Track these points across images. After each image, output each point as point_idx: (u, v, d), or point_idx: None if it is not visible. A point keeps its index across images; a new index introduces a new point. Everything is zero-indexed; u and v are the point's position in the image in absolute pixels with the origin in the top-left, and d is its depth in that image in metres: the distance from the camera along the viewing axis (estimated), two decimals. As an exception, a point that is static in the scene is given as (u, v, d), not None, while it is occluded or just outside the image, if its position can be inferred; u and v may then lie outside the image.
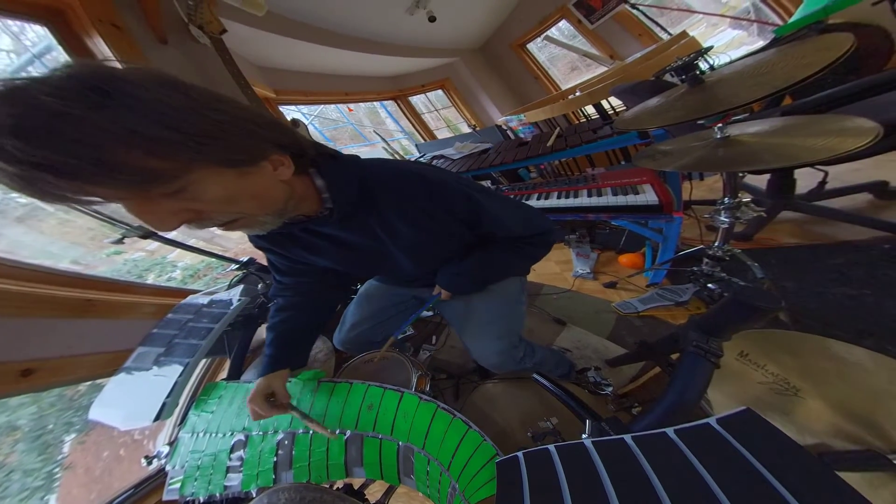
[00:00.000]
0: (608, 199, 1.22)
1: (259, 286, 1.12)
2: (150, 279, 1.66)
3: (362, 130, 4.39)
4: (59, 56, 1.25)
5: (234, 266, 1.11)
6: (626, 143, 1.32)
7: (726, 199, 0.96)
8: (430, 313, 1.51)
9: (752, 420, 0.30)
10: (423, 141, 3.72)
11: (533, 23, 3.58)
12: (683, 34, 2.41)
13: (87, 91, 0.28)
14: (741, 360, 0.55)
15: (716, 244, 1.09)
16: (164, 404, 0.71)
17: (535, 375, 0.74)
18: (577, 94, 2.31)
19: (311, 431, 0.67)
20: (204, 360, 1.21)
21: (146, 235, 0.82)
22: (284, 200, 0.49)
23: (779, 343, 0.55)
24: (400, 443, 0.60)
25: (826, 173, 1.24)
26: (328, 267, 0.72)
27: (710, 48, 0.84)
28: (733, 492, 0.26)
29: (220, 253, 1.11)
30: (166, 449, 0.76)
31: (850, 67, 1.32)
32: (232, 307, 0.96)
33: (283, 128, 0.47)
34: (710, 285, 1.08)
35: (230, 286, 1.12)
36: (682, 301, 1.15)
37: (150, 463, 0.74)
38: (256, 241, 0.68)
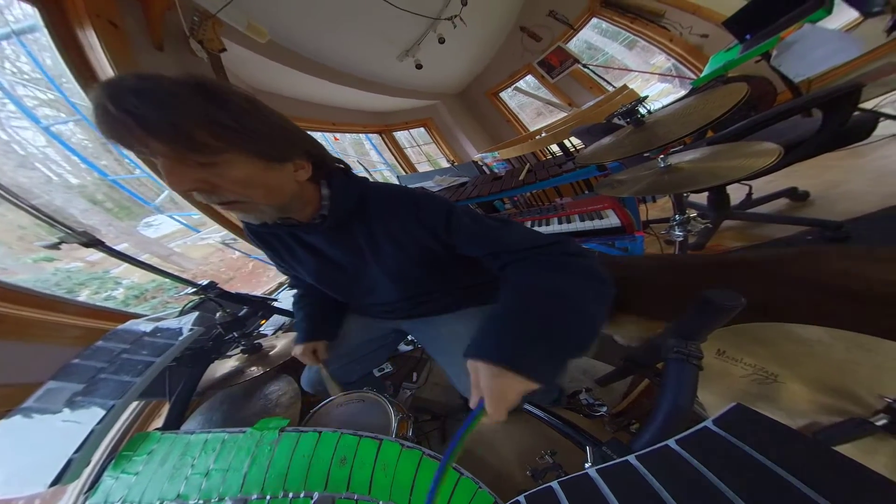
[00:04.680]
0: (577, 225, 1.29)
1: (217, 314, 0.92)
2: (84, 296, 1.33)
3: (346, 160, 4.36)
4: (42, 39, 1.08)
5: (190, 289, 0.88)
6: (588, 175, 1.42)
7: (677, 216, 1.07)
8: (410, 347, 1.35)
9: (745, 414, 0.30)
10: (404, 174, 3.90)
11: (504, 76, 4.01)
12: (624, 87, 2.79)
13: (196, 87, 0.38)
14: (720, 358, 0.55)
15: (677, 253, 1.18)
16: (69, 461, 0.50)
17: (527, 406, 0.67)
18: (543, 135, 2.51)
19: (268, 496, 0.51)
20: (135, 403, 0.95)
21: (89, 244, 0.63)
22: (290, 197, 0.50)
23: (748, 335, 0.57)
24: (380, 502, 0.48)
25: (751, 186, 1.45)
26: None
27: (646, 97, 1.00)
28: (743, 490, 0.25)
29: (176, 273, 0.89)
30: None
31: (750, 105, 1.68)
32: (181, 338, 0.74)
33: (315, 142, 0.52)
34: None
35: (182, 312, 0.91)
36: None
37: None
38: (250, 235, 0.65)
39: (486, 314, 0.46)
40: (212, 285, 0.88)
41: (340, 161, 0.58)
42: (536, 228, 1.37)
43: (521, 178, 1.62)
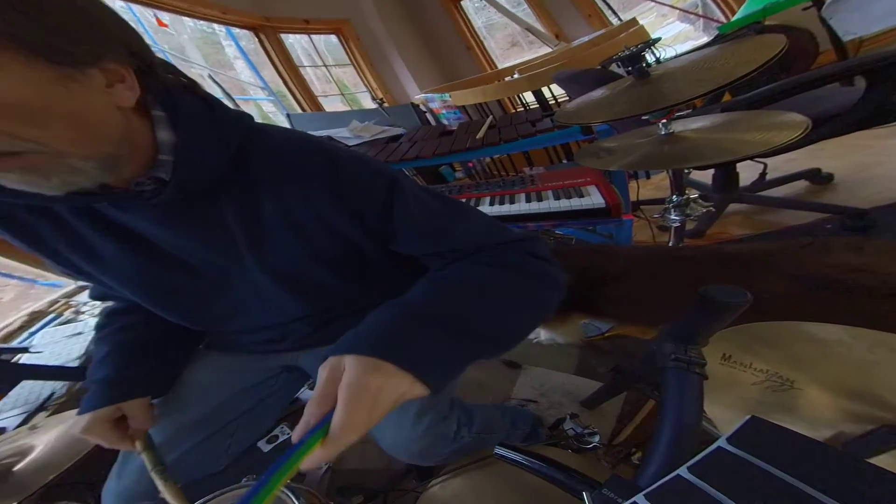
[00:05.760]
0: (550, 204, 1.37)
1: None
2: None
3: (185, 69, 3.43)
4: None
5: None
6: (568, 138, 1.49)
7: (674, 196, 1.14)
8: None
9: (763, 428, 0.35)
10: (300, 111, 3.49)
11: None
12: (633, 21, 2.90)
13: None
14: (726, 363, 0.63)
15: (670, 244, 1.29)
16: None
17: (498, 450, 0.70)
18: (516, 76, 2.54)
19: None
20: None
21: None
22: (117, 143, 0.43)
23: (755, 336, 0.65)
24: None
25: (765, 165, 1.64)
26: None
27: (659, 39, 1.01)
28: None
29: None
30: None
31: (783, 66, 1.85)
32: None
33: (129, 26, 0.44)
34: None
35: None
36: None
37: None
38: None
39: None
40: None
41: (178, 73, 0.51)
42: (498, 208, 1.43)
43: (479, 135, 1.65)
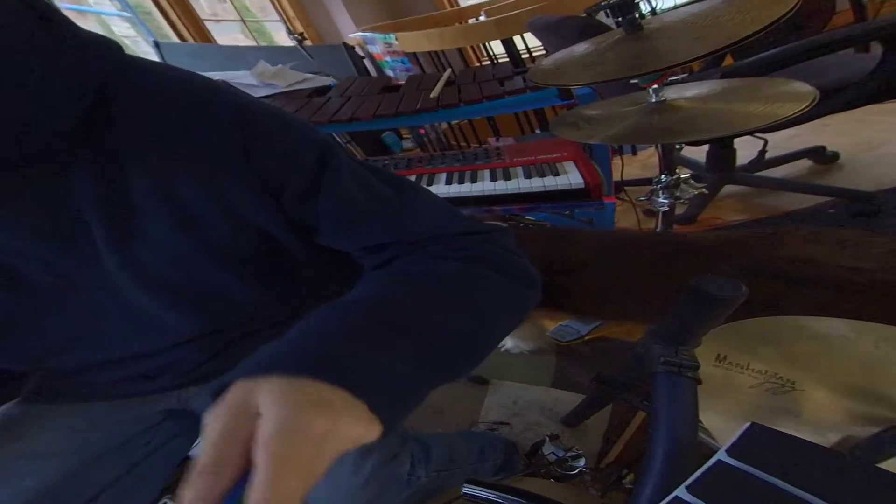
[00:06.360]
0: (520, 184, 1.38)
1: None
2: None
3: None
4: None
5: None
6: (543, 103, 1.50)
7: (663, 176, 1.19)
8: None
9: (764, 435, 0.38)
10: (175, 39, 2.87)
11: None
12: None
13: None
14: (721, 365, 0.68)
15: (657, 230, 1.35)
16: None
17: (467, 488, 0.73)
18: (482, 18, 2.51)
19: None
20: None
21: None
22: None
23: (751, 333, 0.69)
24: None
25: (765, 142, 1.76)
26: None
27: None
28: None
29: None
30: None
31: (794, 25, 1.91)
32: None
33: None
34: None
35: None
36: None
37: None
38: None
39: None
40: None
41: None
42: (458, 188, 1.41)
43: (434, 93, 1.61)
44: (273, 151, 0.49)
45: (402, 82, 1.90)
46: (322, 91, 1.90)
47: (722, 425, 0.61)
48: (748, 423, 0.40)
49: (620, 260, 1.03)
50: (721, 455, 0.37)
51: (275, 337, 0.42)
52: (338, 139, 1.76)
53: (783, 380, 0.64)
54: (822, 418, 0.60)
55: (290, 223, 0.54)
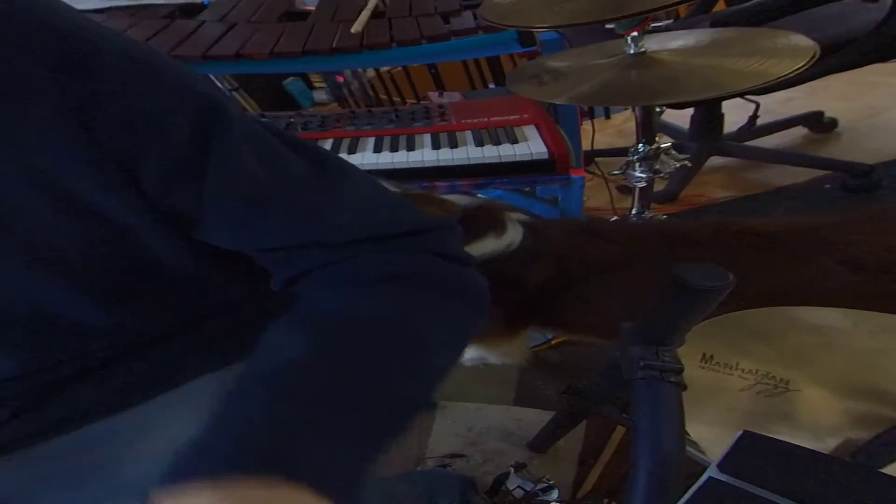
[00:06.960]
0: (469, 153, 1.35)
1: None
2: None
3: None
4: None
5: None
6: (499, 49, 1.49)
7: (640, 145, 1.22)
8: None
9: (757, 444, 0.41)
10: None
11: None
12: None
13: None
14: (707, 366, 0.72)
15: (632, 212, 1.37)
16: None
17: None
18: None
19: None
20: None
21: None
22: None
23: (739, 328, 0.74)
24: None
25: (757, 105, 1.83)
26: None
27: None
28: None
29: None
30: None
31: None
32: None
33: None
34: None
35: None
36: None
37: None
38: None
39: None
40: None
41: None
42: (389, 156, 1.37)
43: (357, 28, 1.56)
44: (127, 111, 0.42)
45: (312, 7, 1.83)
46: (190, 10, 1.77)
47: (711, 436, 0.63)
48: (740, 432, 0.42)
49: (662, 262, 0.98)
50: (712, 471, 0.39)
51: (124, 377, 0.46)
52: (222, 88, 1.67)
53: (776, 379, 0.68)
54: (820, 421, 0.64)
55: (157, 213, 0.47)
